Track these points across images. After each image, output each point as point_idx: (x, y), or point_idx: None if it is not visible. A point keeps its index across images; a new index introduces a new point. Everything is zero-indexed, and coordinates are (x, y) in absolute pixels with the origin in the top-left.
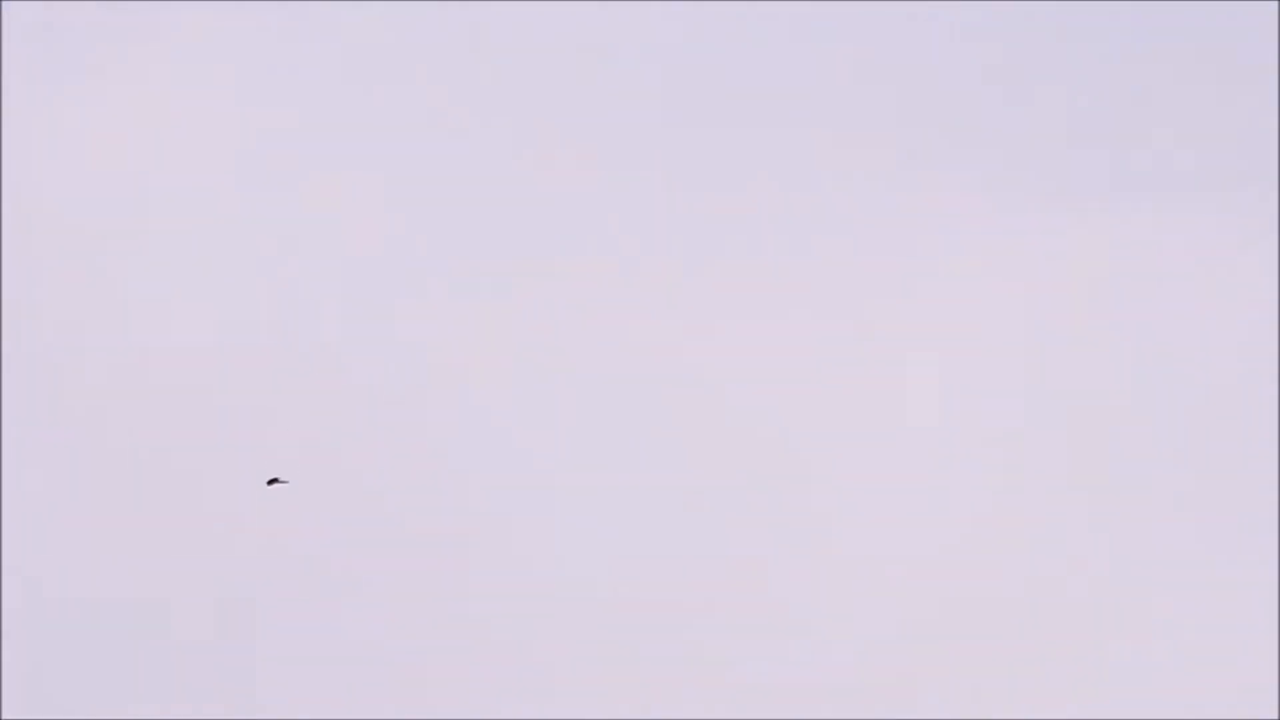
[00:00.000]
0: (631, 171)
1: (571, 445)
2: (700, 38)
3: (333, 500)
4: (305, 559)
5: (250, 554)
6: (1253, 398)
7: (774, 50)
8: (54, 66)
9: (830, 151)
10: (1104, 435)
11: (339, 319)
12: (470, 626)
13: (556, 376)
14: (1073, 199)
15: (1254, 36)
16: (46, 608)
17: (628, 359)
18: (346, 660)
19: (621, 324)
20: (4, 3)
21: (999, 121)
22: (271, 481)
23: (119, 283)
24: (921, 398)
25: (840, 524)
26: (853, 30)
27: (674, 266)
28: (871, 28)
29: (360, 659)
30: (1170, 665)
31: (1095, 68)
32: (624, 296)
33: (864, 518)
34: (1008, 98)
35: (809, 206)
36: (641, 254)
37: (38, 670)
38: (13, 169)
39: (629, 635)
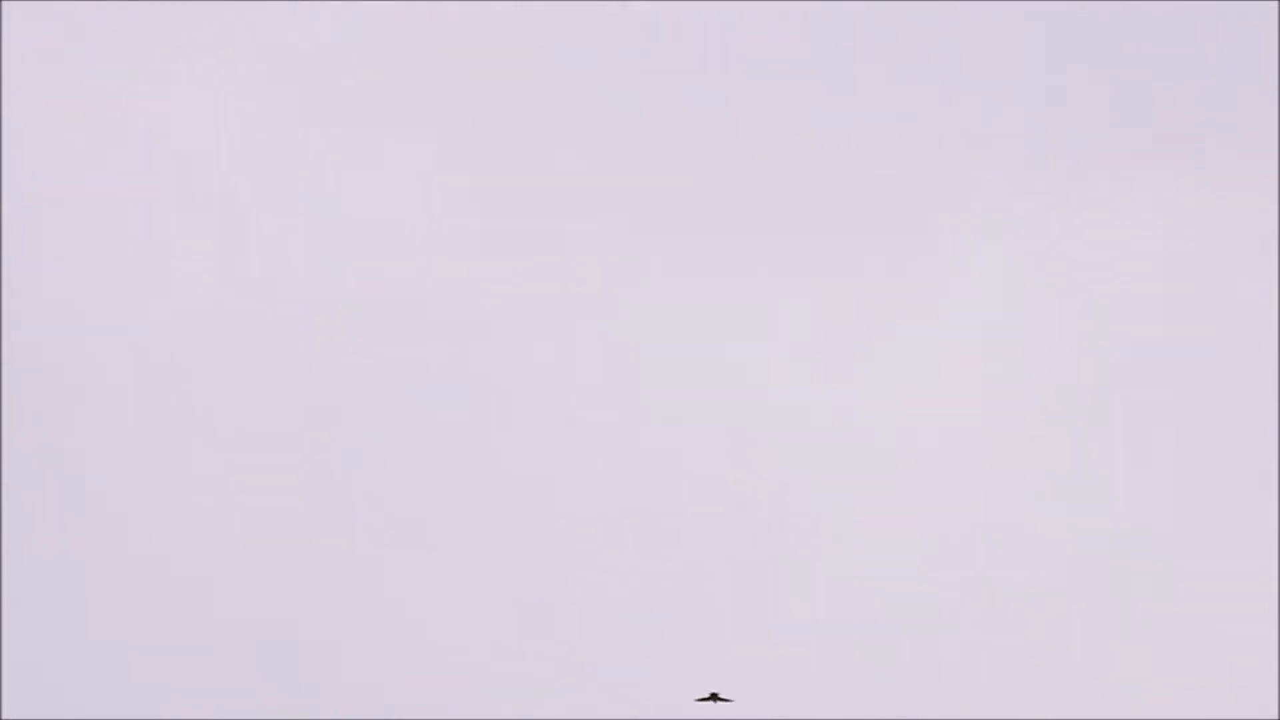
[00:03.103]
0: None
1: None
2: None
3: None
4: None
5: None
6: (1252, 398)
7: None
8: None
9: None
10: (1104, 429)
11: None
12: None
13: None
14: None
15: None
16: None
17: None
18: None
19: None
20: (4, 2)
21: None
22: (710, 698)
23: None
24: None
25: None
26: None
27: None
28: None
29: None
30: (1170, 665)
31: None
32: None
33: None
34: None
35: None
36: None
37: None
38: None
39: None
